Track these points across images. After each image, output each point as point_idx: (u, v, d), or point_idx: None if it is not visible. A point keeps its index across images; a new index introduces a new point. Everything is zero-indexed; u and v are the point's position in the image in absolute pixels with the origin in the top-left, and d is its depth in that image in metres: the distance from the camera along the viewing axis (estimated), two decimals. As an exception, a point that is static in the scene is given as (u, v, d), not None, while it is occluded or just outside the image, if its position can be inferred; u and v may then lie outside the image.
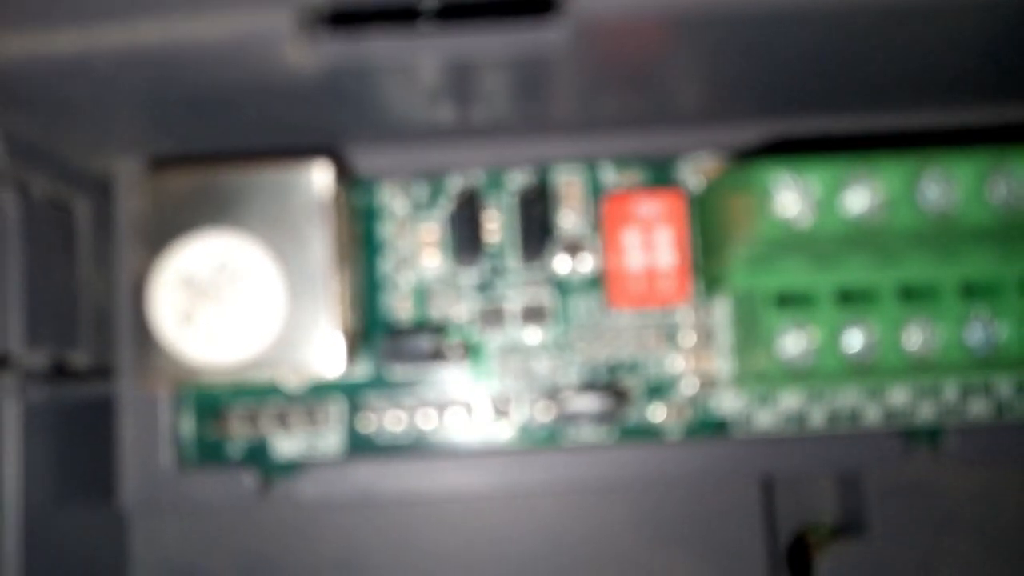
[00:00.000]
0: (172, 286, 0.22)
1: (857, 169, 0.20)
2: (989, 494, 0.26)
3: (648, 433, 0.25)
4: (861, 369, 0.21)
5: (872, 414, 0.25)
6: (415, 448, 0.25)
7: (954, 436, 0.25)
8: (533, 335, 0.25)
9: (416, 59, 0.19)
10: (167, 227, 0.22)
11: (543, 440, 0.25)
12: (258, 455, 0.25)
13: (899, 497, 0.26)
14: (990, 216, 0.20)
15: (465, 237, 0.25)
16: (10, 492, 0.22)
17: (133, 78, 0.19)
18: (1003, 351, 0.22)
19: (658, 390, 0.25)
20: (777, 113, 0.25)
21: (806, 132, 0.25)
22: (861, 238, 0.20)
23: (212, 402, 0.25)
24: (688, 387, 0.25)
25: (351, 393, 0.25)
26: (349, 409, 0.25)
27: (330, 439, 0.25)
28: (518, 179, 0.26)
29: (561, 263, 0.25)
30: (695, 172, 0.26)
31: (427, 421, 0.25)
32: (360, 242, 0.25)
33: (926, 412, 0.25)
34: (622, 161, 0.26)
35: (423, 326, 0.25)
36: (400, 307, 0.25)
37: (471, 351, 0.25)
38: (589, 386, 0.25)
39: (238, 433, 0.24)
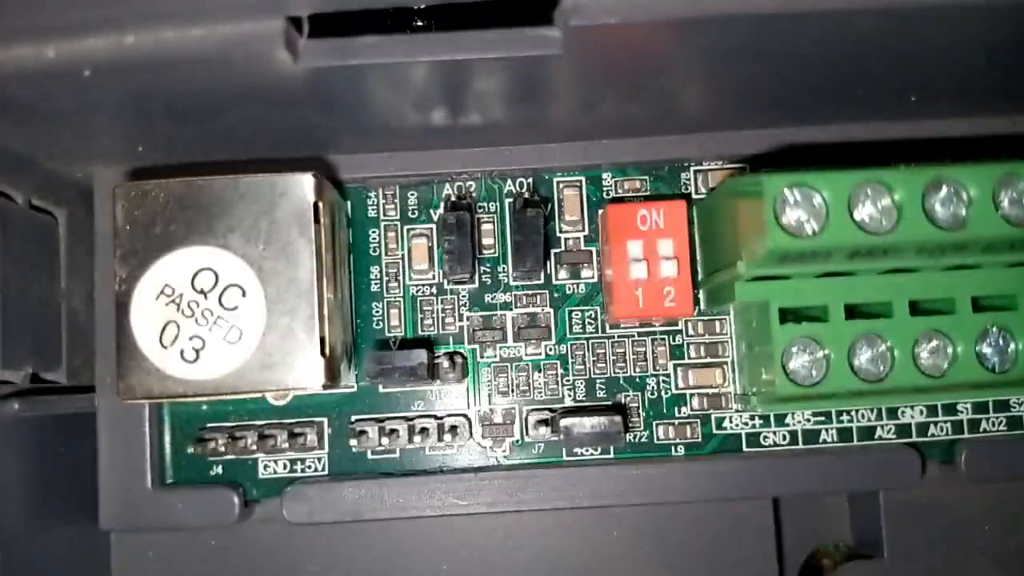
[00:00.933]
0: (153, 300, 0.21)
1: (867, 179, 0.20)
2: (1005, 512, 0.26)
3: (651, 451, 0.25)
4: (873, 386, 0.21)
5: (884, 431, 0.24)
6: (404, 467, 0.25)
7: (969, 453, 0.24)
8: (530, 349, 0.25)
9: (408, 68, 0.19)
10: (149, 239, 0.22)
11: (540, 459, 0.25)
12: (241, 473, 0.24)
13: (914, 516, 0.25)
14: (1002, 228, 0.20)
15: (458, 248, 0.24)
16: (-13, 510, 0.21)
17: (117, 87, 0.19)
18: (1018, 366, 0.21)
19: (661, 407, 0.25)
20: (781, 121, 0.24)
21: (813, 141, 0.25)
22: (871, 250, 0.20)
23: (194, 419, 0.25)
24: (692, 403, 0.25)
25: (337, 409, 0.25)
26: (335, 426, 0.25)
27: (315, 457, 0.24)
28: (514, 187, 0.25)
29: (559, 275, 0.25)
30: (699, 181, 0.25)
31: (416, 439, 0.24)
32: (349, 253, 0.25)
33: (940, 429, 0.24)
34: (623, 169, 0.25)
35: (413, 340, 0.25)
36: (390, 320, 0.25)
37: (464, 366, 0.25)
38: (589, 403, 0.24)
39: (220, 451, 0.24)
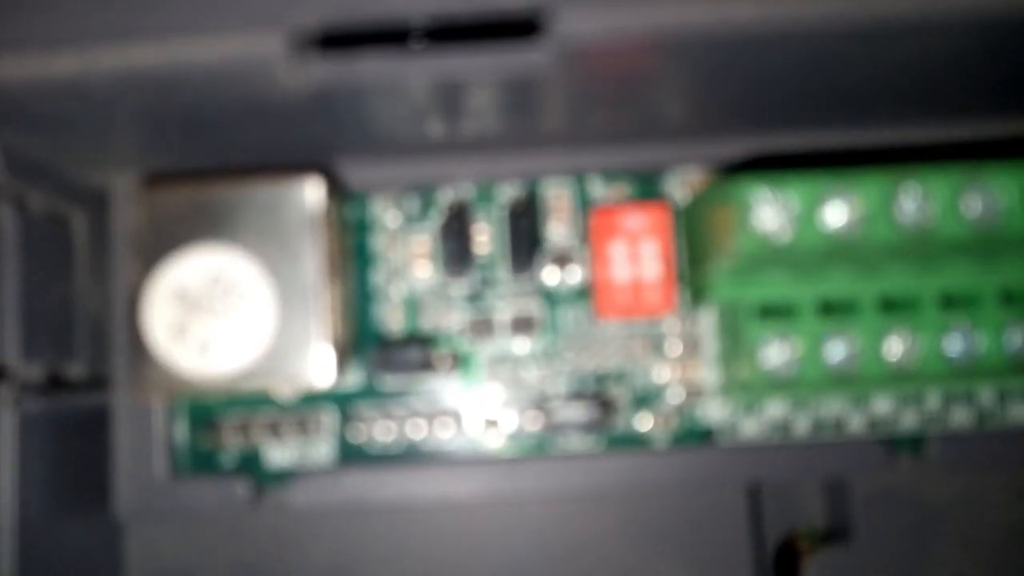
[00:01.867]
0: (166, 299, 0.22)
1: (835, 184, 0.20)
2: (971, 500, 0.26)
3: (635, 442, 0.25)
4: (844, 379, 0.22)
5: (856, 422, 0.25)
6: (406, 457, 0.25)
7: (937, 443, 0.25)
8: (522, 345, 0.25)
9: (406, 80, 0.19)
10: (162, 241, 0.22)
11: (532, 449, 0.25)
12: (251, 464, 0.25)
13: (884, 503, 0.26)
14: (966, 230, 0.20)
15: (455, 249, 0.25)
16: (6, 502, 0.22)
17: (129, 98, 0.20)
18: (982, 361, 0.22)
19: (645, 399, 0.25)
20: (759, 129, 0.25)
21: (787, 148, 0.25)
22: (840, 252, 0.20)
23: (205, 412, 0.25)
24: (674, 396, 0.25)
25: (342, 403, 0.25)
26: (340, 419, 0.25)
27: (322, 448, 0.25)
28: (508, 192, 0.26)
29: (550, 274, 0.26)
30: (680, 186, 0.26)
31: (417, 430, 0.25)
32: (352, 254, 0.25)
33: (909, 420, 0.25)
34: (609, 175, 0.26)
35: (414, 337, 0.25)
36: (391, 318, 0.25)
37: (461, 361, 0.25)
38: (577, 395, 0.25)
39: (231, 443, 0.25)
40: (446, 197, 0.26)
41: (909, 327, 0.22)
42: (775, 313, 0.22)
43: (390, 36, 0.19)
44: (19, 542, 0.22)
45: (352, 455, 0.25)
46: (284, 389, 0.22)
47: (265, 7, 0.18)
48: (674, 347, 0.25)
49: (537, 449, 0.25)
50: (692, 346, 0.25)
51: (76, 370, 0.25)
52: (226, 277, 0.22)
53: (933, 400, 0.25)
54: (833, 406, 0.25)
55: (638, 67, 0.20)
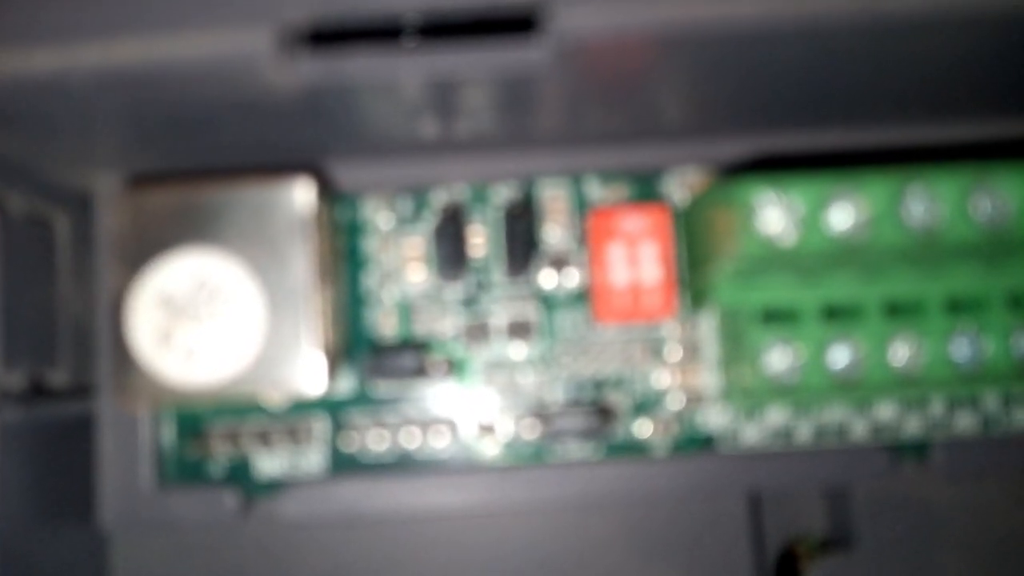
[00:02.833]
0: (152, 304, 0.22)
1: (841, 186, 0.20)
2: (976, 508, 0.26)
3: (635, 449, 0.25)
4: (847, 385, 0.21)
5: (859, 429, 0.25)
6: (400, 466, 0.25)
7: (941, 450, 0.25)
8: (518, 351, 0.25)
9: (398, 78, 0.19)
10: (147, 244, 0.22)
11: (529, 457, 0.25)
12: (240, 474, 0.25)
13: (886, 511, 0.26)
14: (974, 232, 0.20)
15: (450, 252, 0.25)
16: (-13, 513, 0.21)
17: (113, 96, 0.19)
18: (989, 366, 0.22)
19: (644, 406, 0.25)
20: (762, 129, 0.25)
21: (790, 148, 0.25)
22: (845, 255, 0.20)
23: (193, 420, 0.25)
24: (674, 402, 0.25)
25: (334, 411, 0.25)
26: (332, 427, 0.25)
27: (312, 457, 0.25)
28: (503, 193, 0.26)
29: (546, 278, 0.25)
30: (680, 187, 0.26)
31: (411, 438, 0.25)
32: (343, 257, 0.25)
33: (913, 426, 0.25)
34: (607, 175, 0.26)
35: (407, 342, 0.25)
36: (384, 323, 0.25)
37: (456, 367, 0.25)
38: (575, 402, 0.25)
39: (219, 452, 0.24)
40: (440, 198, 0.26)
41: (915, 332, 0.22)
42: (778, 317, 0.22)
43: (382, 33, 0.19)
44: (1, 553, 0.21)
45: (344, 464, 0.25)
46: (274, 396, 0.22)
47: (252, 2, 0.18)
48: (674, 352, 0.25)
49: (534, 457, 0.25)
50: (692, 351, 0.25)
51: (59, 377, 0.25)
52: (213, 281, 0.22)
53: (937, 406, 0.25)
54: (836, 412, 0.25)
55: (638, 65, 0.20)
